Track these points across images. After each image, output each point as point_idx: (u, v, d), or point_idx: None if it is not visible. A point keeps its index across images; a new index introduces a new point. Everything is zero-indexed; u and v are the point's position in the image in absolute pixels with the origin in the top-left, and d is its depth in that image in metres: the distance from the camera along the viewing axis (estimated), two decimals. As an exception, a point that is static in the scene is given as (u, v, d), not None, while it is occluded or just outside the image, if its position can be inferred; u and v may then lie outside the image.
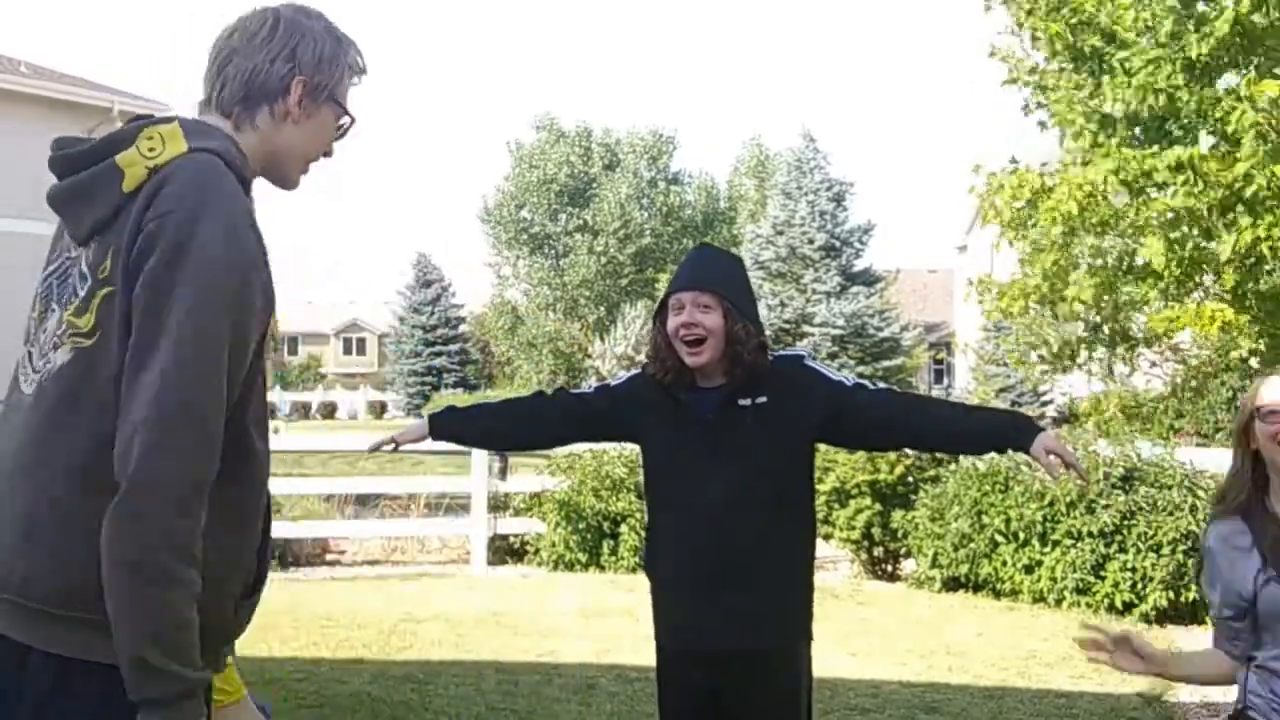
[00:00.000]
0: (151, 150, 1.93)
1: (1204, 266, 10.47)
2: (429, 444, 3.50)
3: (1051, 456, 3.01)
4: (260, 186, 2.20)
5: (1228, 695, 6.89)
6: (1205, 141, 9.49)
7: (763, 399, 3.16)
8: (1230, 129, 9.24)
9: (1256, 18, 9.24)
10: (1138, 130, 10.47)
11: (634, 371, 3.45)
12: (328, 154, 2.22)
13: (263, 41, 2.07)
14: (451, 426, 3.47)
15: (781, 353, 3.33)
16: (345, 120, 2.18)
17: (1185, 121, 10.02)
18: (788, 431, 3.16)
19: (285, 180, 2.17)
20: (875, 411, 3.20)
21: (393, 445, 3.48)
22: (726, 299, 3.18)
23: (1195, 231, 9.92)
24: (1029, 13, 10.72)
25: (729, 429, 3.16)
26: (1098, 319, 11.33)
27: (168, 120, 1.99)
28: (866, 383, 3.28)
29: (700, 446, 3.17)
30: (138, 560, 1.79)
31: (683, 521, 3.20)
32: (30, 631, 1.89)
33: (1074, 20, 10.42)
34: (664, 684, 3.35)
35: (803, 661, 3.31)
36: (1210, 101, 9.55)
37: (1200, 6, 9.61)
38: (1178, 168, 9.43)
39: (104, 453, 1.83)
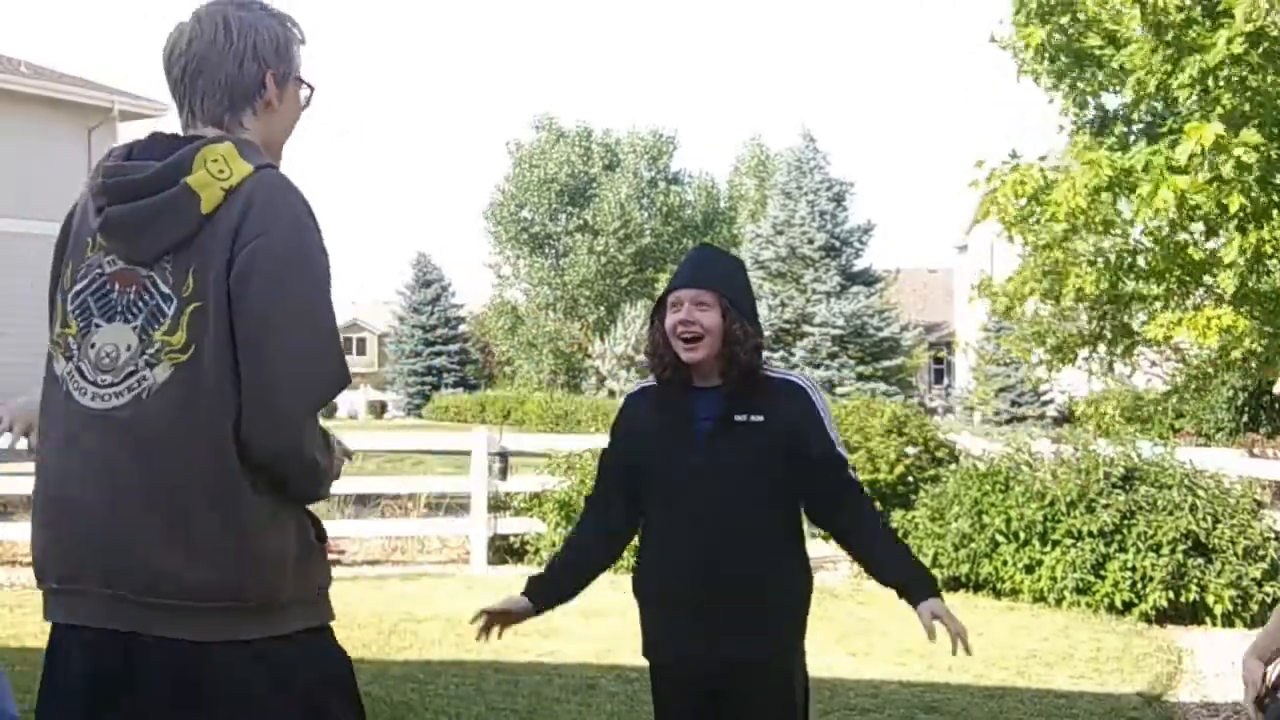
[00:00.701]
0: (221, 172, 2.06)
1: (1205, 267, 10.49)
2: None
3: (935, 621, 3.15)
4: None
5: (1227, 695, 6.91)
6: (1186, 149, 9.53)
7: (759, 418, 3.16)
8: (1180, 160, 9.29)
9: (1251, 55, 9.27)
10: (1134, 128, 10.49)
11: (623, 399, 3.45)
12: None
13: (223, 48, 2.17)
14: (552, 595, 3.59)
15: (786, 374, 3.30)
16: (307, 91, 2.30)
17: (1175, 123, 10.03)
18: (778, 455, 3.17)
19: (277, 160, 2.27)
20: (825, 490, 3.24)
21: (497, 627, 3.45)
22: (725, 297, 3.18)
23: (1193, 230, 9.94)
24: (1024, 23, 10.72)
25: (724, 442, 3.16)
26: (1099, 312, 11.33)
27: (220, 140, 2.11)
28: (849, 462, 3.26)
29: (696, 460, 3.18)
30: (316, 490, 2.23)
31: (679, 534, 3.21)
32: (168, 625, 2.08)
33: (1069, 21, 10.42)
34: (660, 698, 3.35)
35: (799, 667, 3.30)
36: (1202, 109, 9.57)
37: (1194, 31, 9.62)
38: (1156, 188, 9.47)
39: (227, 452, 2.05)
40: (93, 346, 2.11)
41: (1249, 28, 9.05)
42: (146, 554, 2.07)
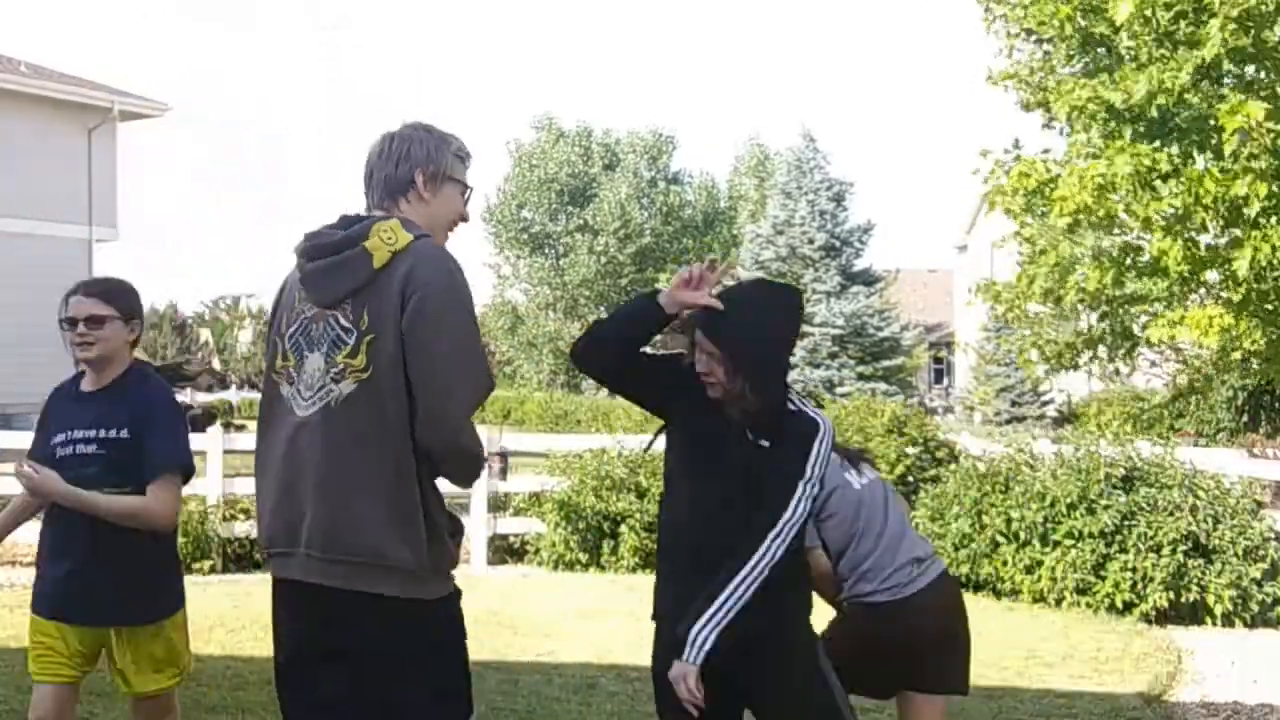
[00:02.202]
0: (389, 239, 2.78)
1: (1211, 266, 10.45)
2: None
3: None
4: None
5: (1227, 694, 6.91)
6: (1202, 157, 9.51)
7: (765, 444, 3.23)
8: (1225, 147, 9.23)
9: (1244, 41, 9.22)
10: (1141, 126, 10.47)
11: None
12: (464, 219, 3.06)
13: (387, 156, 2.95)
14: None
15: (811, 412, 3.31)
16: (467, 191, 3.03)
17: (1185, 125, 10.01)
18: (773, 475, 3.22)
19: (441, 241, 2.97)
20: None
21: None
22: (729, 358, 3.16)
23: (1208, 219, 9.90)
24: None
25: (740, 448, 3.23)
26: (1100, 312, 11.30)
27: (387, 218, 2.85)
28: (792, 507, 3.23)
29: (716, 447, 3.25)
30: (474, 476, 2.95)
31: (695, 515, 3.27)
32: (367, 582, 2.76)
33: (1083, 6, 10.40)
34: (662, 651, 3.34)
35: (816, 649, 3.37)
36: (1214, 103, 9.53)
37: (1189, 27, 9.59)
38: (1174, 173, 9.43)
39: (402, 443, 2.73)
40: (304, 372, 2.83)
41: (1235, 12, 9.02)
42: (345, 525, 2.74)
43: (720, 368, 3.17)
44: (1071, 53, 10.83)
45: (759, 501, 3.18)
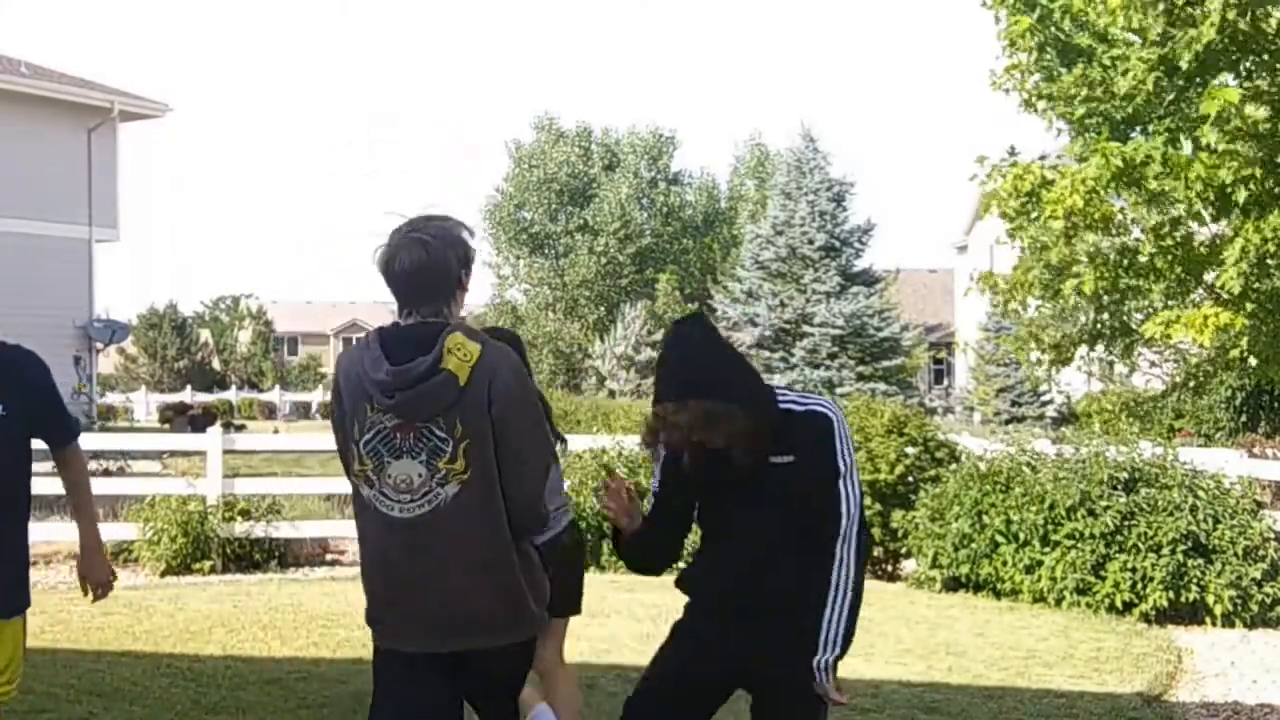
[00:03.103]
0: (466, 357, 3.17)
1: (1205, 265, 10.46)
2: None
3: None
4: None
5: (1227, 695, 6.92)
6: (1189, 142, 9.49)
7: (789, 458, 3.25)
8: (1203, 139, 9.23)
9: (1242, 24, 9.21)
10: (1134, 128, 10.46)
11: None
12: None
13: (430, 267, 3.24)
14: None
15: (815, 406, 3.32)
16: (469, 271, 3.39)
17: (1170, 124, 10.00)
18: (813, 487, 3.27)
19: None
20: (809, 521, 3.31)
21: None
22: (691, 400, 3.20)
23: (1195, 216, 9.90)
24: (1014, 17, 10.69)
25: (763, 479, 3.26)
26: (1097, 305, 11.29)
27: (452, 331, 3.19)
28: (844, 508, 3.28)
29: (741, 491, 3.30)
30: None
31: (727, 552, 3.35)
32: (494, 638, 3.27)
33: (1059, 15, 10.39)
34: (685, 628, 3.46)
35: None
36: (1194, 104, 9.53)
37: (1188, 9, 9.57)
38: (1162, 161, 9.42)
39: (500, 533, 3.21)
40: (389, 476, 3.20)
41: None
42: (465, 595, 3.22)
43: (684, 413, 3.20)
44: (1048, 65, 10.81)
45: (808, 518, 3.25)
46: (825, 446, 3.26)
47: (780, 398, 3.34)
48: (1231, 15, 9.09)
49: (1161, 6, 9.49)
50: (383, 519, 3.22)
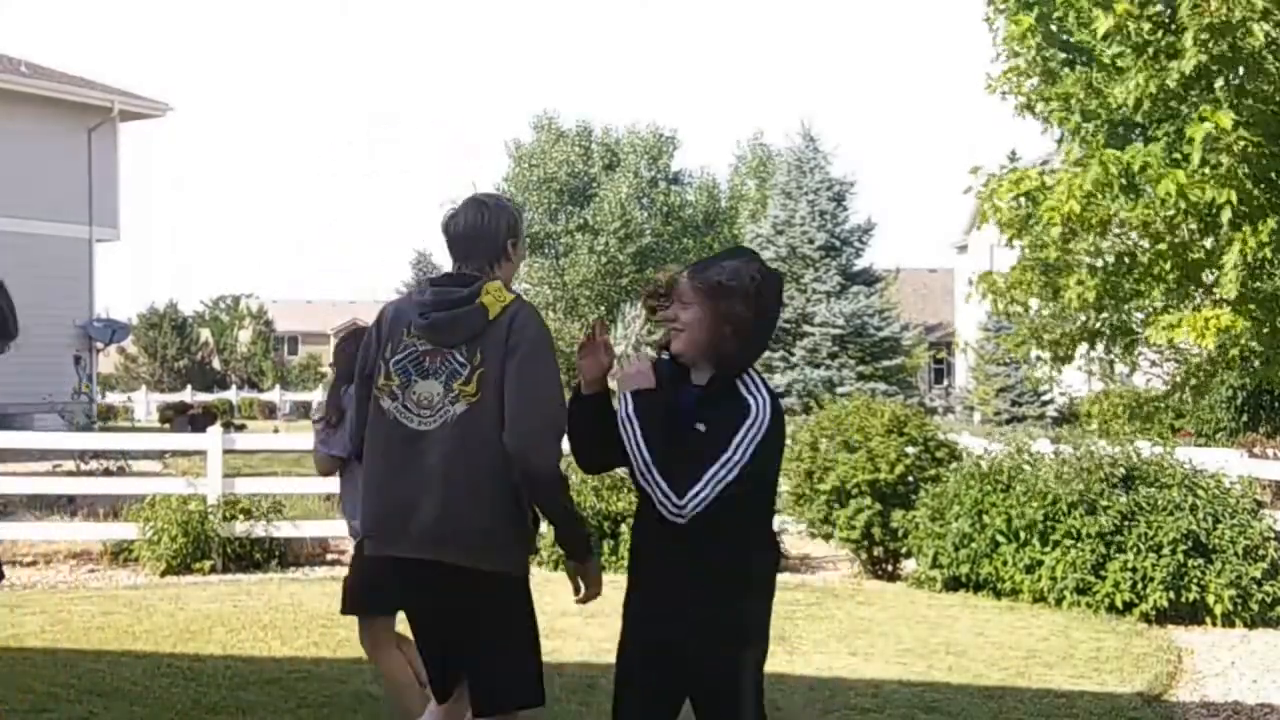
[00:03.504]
0: (499, 298, 3.58)
1: (1203, 269, 10.45)
2: None
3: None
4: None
5: (1227, 695, 6.92)
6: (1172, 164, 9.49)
7: (703, 427, 3.26)
8: (1193, 157, 9.25)
9: (1222, 47, 9.24)
10: (1134, 131, 10.45)
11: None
12: (523, 258, 3.90)
13: (483, 227, 3.69)
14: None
15: (756, 395, 3.32)
16: (524, 243, 3.83)
17: (1170, 128, 9.99)
18: (708, 454, 3.27)
19: (510, 284, 3.74)
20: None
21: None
22: (709, 299, 3.26)
23: (1191, 226, 9.90)
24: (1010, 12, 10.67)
25: (682, 435, 3.30)
26: (1099, 312, 11.29)
27: (493, 280, 3.62)
28: (690, 483, 3.22)
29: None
30: (551, 491, 3.59)
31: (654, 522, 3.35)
32: (468, 558, 3.52)
33: (1061, 13, 10.38)
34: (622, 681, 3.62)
35: (743, 660, 3.41)
36: (1191, 114, 9.54)
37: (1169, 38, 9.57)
38: (1158, 175, 9.43)
39: (499, 455, 3.49)
40: (413, 394, 3.58)
41: (1204, 21, 9.03)
42: (453, 503, 3.50)
43: (693, 308, 3.28)
44: (1050, 66, 10.80)
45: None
46: (732, 429, 3.25)
47: (751, 376, 3.36)
48: (1209, 45, 9.11)
49: (1142, 44, 9.51)
50: (400, 429, 3.58)
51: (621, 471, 11.75)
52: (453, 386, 3.52)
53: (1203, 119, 8.98)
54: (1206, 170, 9.21)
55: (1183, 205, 9.33)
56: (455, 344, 3.54)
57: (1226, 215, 9.26)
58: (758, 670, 3.44)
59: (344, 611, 5.36)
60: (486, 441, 3.49)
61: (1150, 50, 9.46)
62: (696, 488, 3.19)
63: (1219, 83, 9.73)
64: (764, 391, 3.35)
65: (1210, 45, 9.13)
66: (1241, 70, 9.78)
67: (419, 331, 3.59)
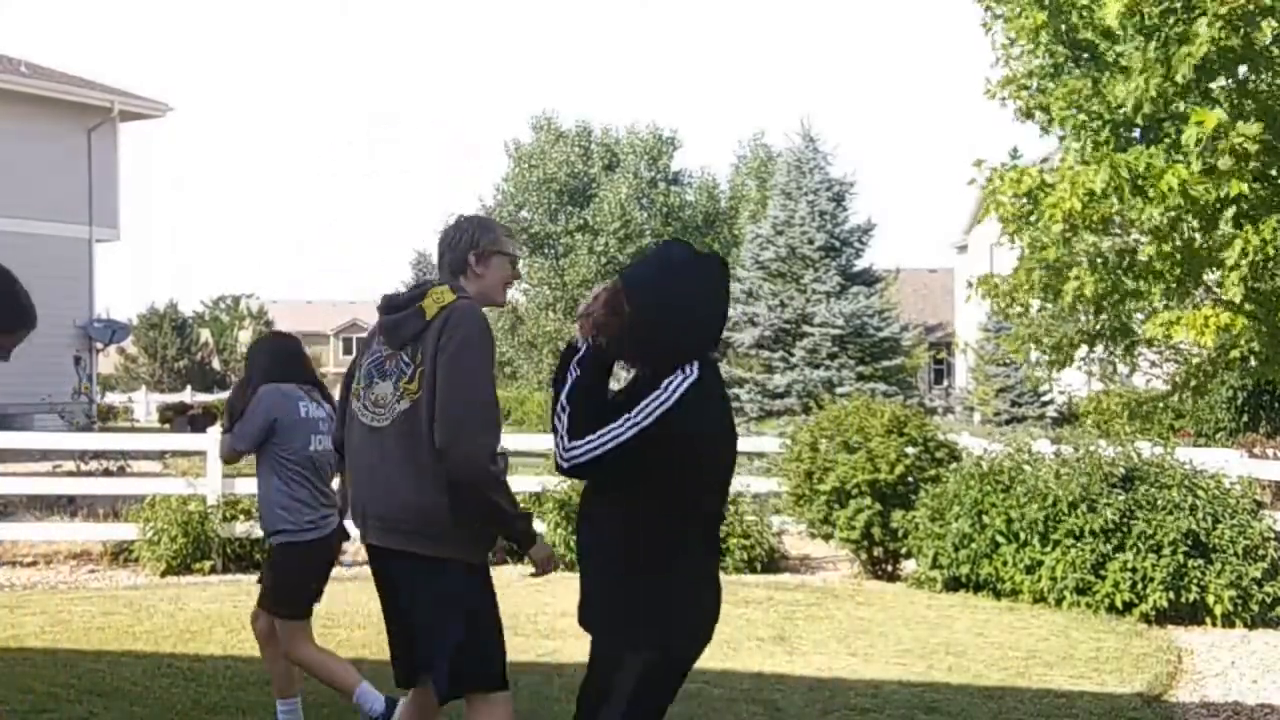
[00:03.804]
0: (439, 299, 3.84)
1: (1205, 267, 10.46)
2: None
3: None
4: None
5: (1227, 695, 6.92)
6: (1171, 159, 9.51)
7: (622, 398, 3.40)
8: (1191, 156, 9.26)
9: (1234, 40, 9.23)
10: (1136, 132, 10.46)
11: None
12: (517, 276, 4.13)
13: (450, 243, 4.00)
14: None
15: (674, 380, 3.30)
16: (508, 258, 4.06)
17: (1172, 129, 10.00)
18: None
19: (493, 304, 4.07)
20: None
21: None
22: (629, 298, 3.34)
23: (1194, 224, 9.91)
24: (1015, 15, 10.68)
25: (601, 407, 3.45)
26: (1097, 308, 11.28)
27: (441, 284, 3.88)
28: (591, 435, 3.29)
29: None
30: (474, 484, 3.71)
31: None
32: (410, 544, 3.79)
33: (1069, 15, 10.40)
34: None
35: (626, 661, 3.37)
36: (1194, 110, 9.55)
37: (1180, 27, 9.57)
38: (1161, 175, 9.44)
39: (429, 446, 3.71)
40: (372, 394, 3.91)
41: (1224, 10, 9.03)
42: (395, 492, 3.79)
43: (615, 320, 3.34)
44: (1058, 61, 10.80)
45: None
46: (642, 398, 3.27)
47: (685, 371, 3.29)
48: (1221, 34, 9.10)
49: (1154, 27, 9.51)
50: (362, 428, 3.92)
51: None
52: (399, 385, 3.81)
53: (1197, 122, 9.00)
54: (1201, 170, 9.22)
55: (1182, 202, 9.33)
56: (403, 345, 3.83)
57: (1230, 212, 9.25)
58: (642, 682, 3.32)
59: (296, 615, 5.46)
60: (425, 435, 3.72)
61: (1161, 35, 9.44)
62: (587, 438, 3.25)
63: (1219, 81, 9.73)
64: (694, 371, 3.29)
65: (1223, 35, 9.12)
66: (1243, 69, 9.79)
67: (383, 336, 3.94)
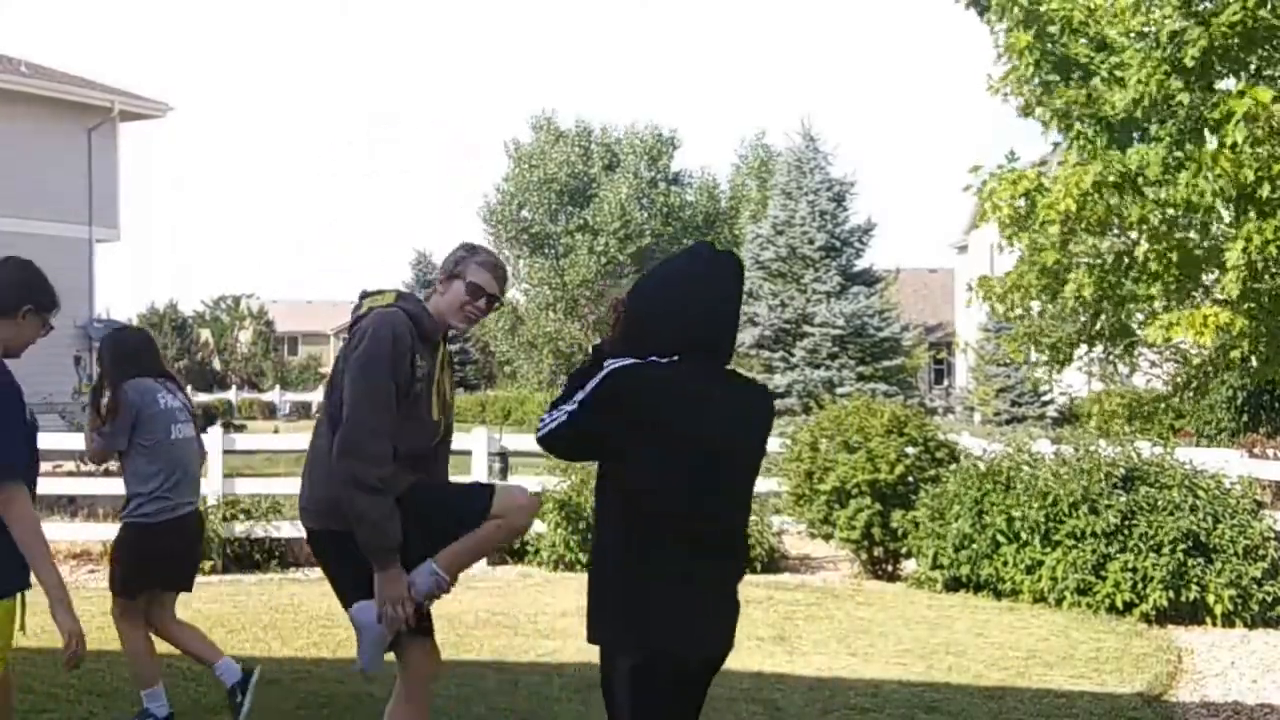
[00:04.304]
0: (375, 302, 4.06)
1: (1203, 266, 10.46)
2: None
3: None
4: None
5: (1227, 695, 6.92)
6: (1214, 139, 9.49)
7: None
8: (1226, 138, 9.23)
9: (1263, 12, 9.22)
10: (1135, 134, 10.46)
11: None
12: (467, 302, 4.08)
13: (447, 256, 4.19)
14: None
15: (611, 365, 3.32)
16: (469, 286, 4.08)
17: (1180, 125, 9.99)
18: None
19: (448, 324, 4.12)
20: None
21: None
22: (629, 296, 3.47)
23: (1192, 225, 9.91)
24: (1008, 30, 10.68)
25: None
26: (1097, 309, 11.29)
27: (393, 290, 4.14)
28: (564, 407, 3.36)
29: None
30: (345, 486, 3.87)
31: None
32: (322, 521, 4.05)
33: (1057, 29, 10.39)
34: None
35: (618, 665, 3.34)
36: (1208, 105, 9.54)
37: (1205, 4, 9.57)
38: (1179, 167, 9.42)
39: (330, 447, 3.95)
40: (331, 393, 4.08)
41: None
42: (315, 484, 4.06)
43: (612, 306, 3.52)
44: (1046, 77, 10.80)
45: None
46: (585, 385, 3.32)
47: (631, 360, 3.30)
48: (1253, 3, 9.09)
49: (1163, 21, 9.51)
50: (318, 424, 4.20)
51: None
52: (331, 384, 4.07)
53: (1242, 95, 8.96)
54: (1247, 150, 9.16)
55: (1217, 187, 9.28)
56: (347, 341, 4.10)
57: (1266, 190, 9.19)
58: (635, 689, 3.25)
59: (129, 595, 5.75)
60: (330, 436, 3.97)
61: (1174, 24, 9.42)
62: (550, 415, 3.35)
63: (1222, 81, 9.72)
64: (653, 360, 3.28)
65: (1254, 8, 9.10)
66: (1265, 48, 9.74)
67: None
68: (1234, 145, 9.16)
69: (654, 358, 3.27)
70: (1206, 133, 9.67)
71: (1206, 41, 9.24)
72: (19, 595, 4.13)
